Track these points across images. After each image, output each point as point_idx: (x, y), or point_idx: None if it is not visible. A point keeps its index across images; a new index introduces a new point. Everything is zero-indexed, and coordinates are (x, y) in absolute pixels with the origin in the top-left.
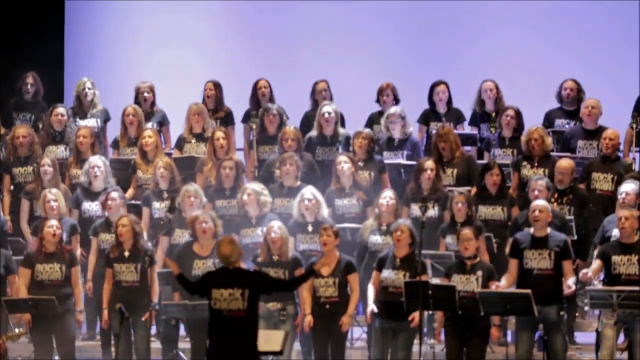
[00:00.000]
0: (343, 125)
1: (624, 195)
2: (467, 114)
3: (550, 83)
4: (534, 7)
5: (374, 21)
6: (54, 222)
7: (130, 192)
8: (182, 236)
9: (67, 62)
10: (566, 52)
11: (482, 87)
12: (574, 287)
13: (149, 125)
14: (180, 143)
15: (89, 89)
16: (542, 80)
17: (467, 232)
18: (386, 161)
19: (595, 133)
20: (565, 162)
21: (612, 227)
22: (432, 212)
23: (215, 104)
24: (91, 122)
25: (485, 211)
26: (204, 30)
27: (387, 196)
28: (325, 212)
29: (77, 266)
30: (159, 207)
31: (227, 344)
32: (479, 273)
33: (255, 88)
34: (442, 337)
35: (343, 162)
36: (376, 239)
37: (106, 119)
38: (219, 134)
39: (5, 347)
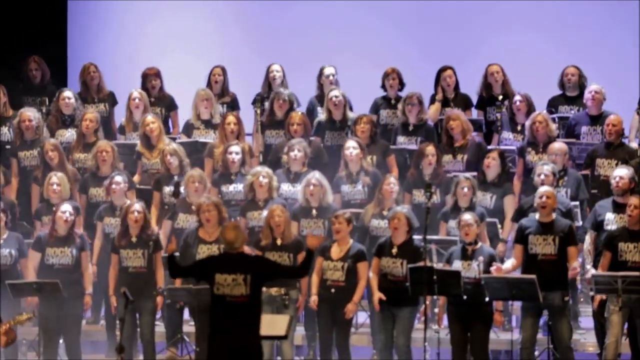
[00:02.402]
0: (351, 109)
1: (617, 179)
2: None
3: (553, 71)
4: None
5: (381, 15)
6: (67, 207)
7: (136, 177)
8: (186, 221)
9: (70, 48)
10: (569, 40)
11: (487, 70)
12: (579, 269)
13: (157, 110)
14: (188, 129)
15: (93, 72)
16: (545, 68)
17: (467, 217)
18: (391, 146)
19: (599, 119)
20: (557, 144)
21: (604, 211)
22: (435, 198)
23: (221, 89)
24: (99, 107)
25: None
26: (208, 16)
27: (392, 182)
28: (330, 197)
29: (87, 251)
30: (168, 192)
31: (230, 330)
32: (481, 259)
33: (267, 72)
34: (444, 322)
35: (352, 148)
36: (377, 223)
37: (113, 102)
38: (231, 118)
39: (15, 334)
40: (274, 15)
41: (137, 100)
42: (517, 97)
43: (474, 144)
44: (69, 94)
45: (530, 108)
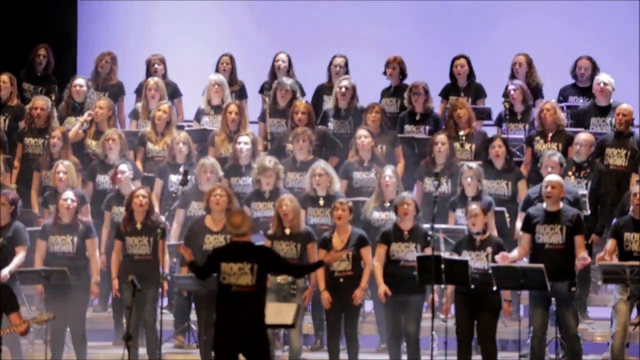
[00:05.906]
0: (358, 99)
1: None
2: (488, 91)
3: (565, 59)
4: None
5: (392, 2)
6: (69, 195)
7: (138, 164)
8: (198, 209)
9: (80, 37)
10: (581, 28)
11: (513, 60)
12: (589, 259)
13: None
14: (199, 115)
15: (106, 62)
16: (557, 55)
17: (474, 207)
18: (399, 135)
19: (608, 110)
20: (585, 135)
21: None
22: (445, 187)
23: (229, 78)
24: (105, 95)
25: (490, 185)
26: (218, 2)
27: (387, 174)
28: (337, 186)
29: (93, 238)
30: (176, 180)
31: (235, 319)
32: (489, 249)
33: (273, 61)
34: (452, 312)
35: (363, 137)
36: (379, 215)
37: (121, 93)
38: (232, 107)
39: (28, 327)
40: (284, 2)
41: (152, 91)
42: (511, 87)
43: (481, 134)
44: (80, 82)
45: (525, 96)
